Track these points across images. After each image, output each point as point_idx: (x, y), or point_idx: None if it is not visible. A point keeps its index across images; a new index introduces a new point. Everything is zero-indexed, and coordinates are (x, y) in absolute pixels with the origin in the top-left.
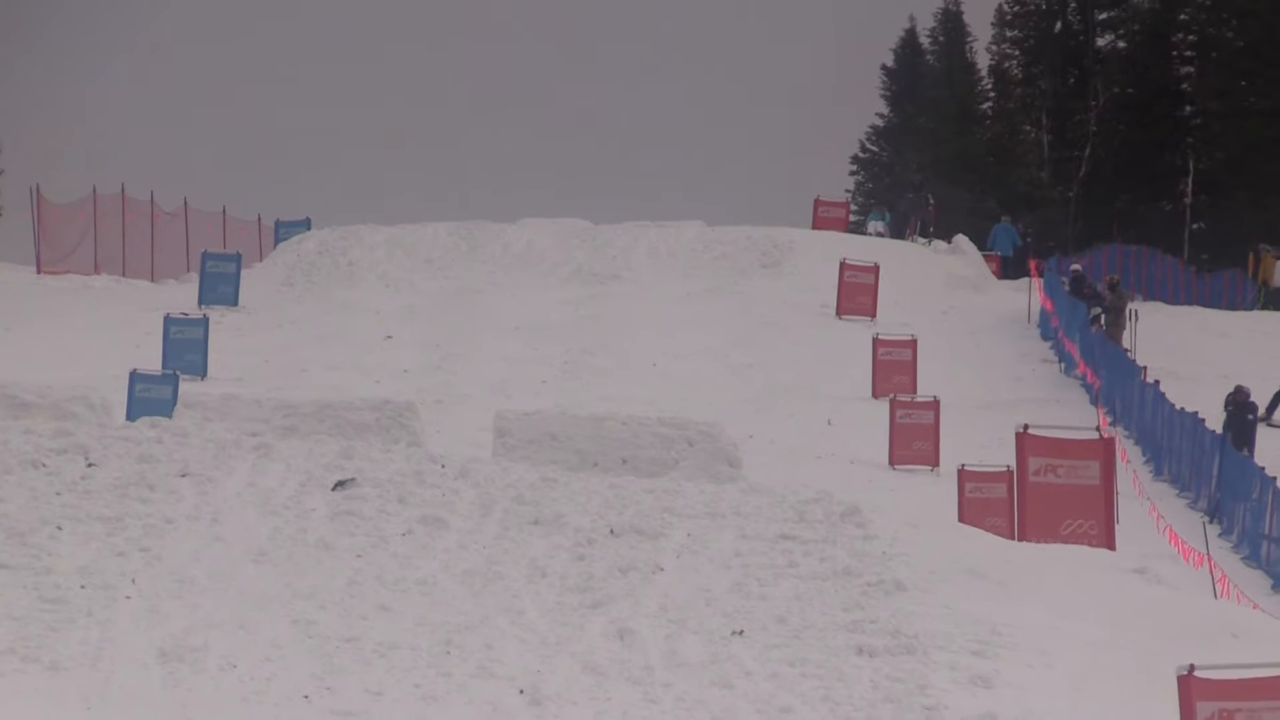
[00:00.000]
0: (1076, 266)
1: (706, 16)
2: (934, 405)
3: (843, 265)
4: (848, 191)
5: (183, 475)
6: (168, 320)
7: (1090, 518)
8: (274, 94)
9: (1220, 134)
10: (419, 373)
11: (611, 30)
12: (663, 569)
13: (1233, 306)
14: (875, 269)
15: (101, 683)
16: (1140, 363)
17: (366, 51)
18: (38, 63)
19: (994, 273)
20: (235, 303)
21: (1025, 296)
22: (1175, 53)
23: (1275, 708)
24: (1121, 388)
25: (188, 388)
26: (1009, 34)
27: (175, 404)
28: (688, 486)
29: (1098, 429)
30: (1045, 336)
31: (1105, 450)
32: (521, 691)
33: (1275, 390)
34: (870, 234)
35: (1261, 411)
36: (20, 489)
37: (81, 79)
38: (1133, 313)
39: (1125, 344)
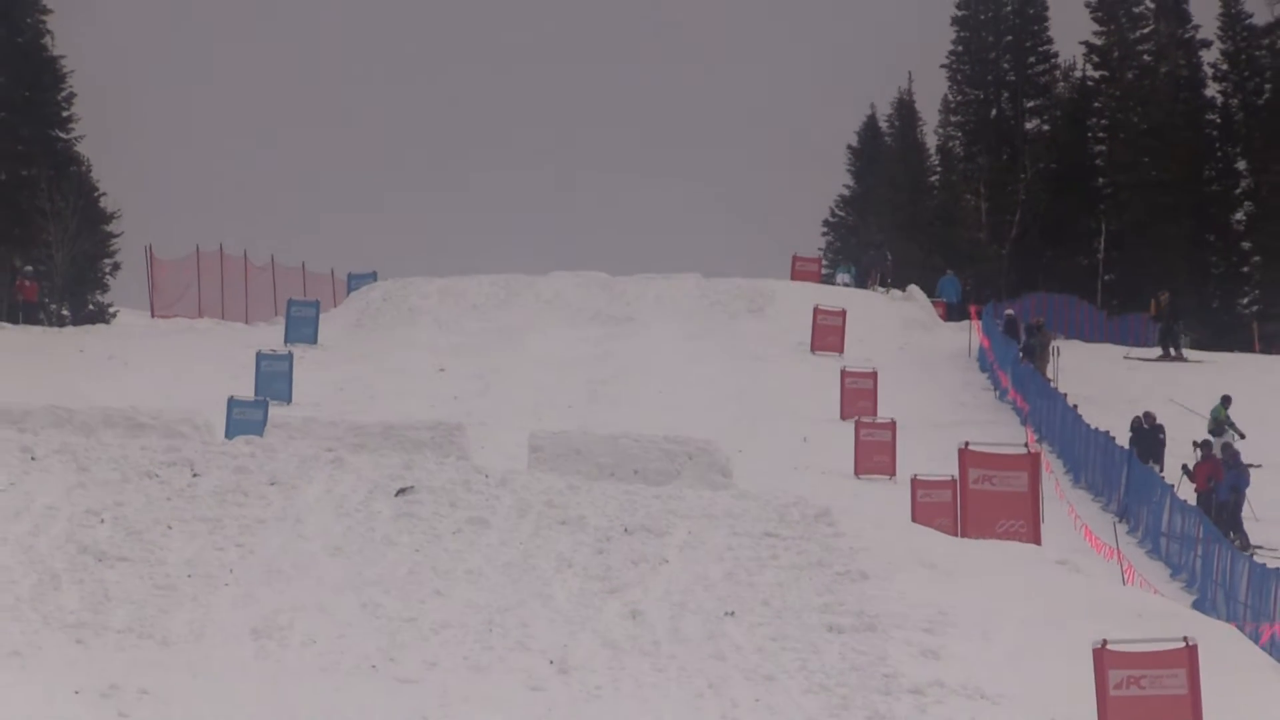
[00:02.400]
0: (1009, 311)
1: (704, 105)
2: (891, 425)
3: (816, 310)
4: (820, 249)
5: (271, 483)
6: (259, 356)
7: (1020, 518)
8: (347, 164)
9: (1127, 201)
10: (466, 399)
11: (624, 116)
12: (667, 561)
13: (1138, 344)
14: (843, 313)
15: (204, 656)
16: (1061, 390)
17: (417, 134)
18: (141, 137)
19: (941, 316)
20: (315, 341)
21: (966, 336)
22: (1090, 134)
23: (1172, 674)
24: (1046, 411)
25: (276, 411)
26: (953, 119)
27: (265, 425)
28: (688, 493)
29: (1026, 445)
30: (983, 369)
31: (1032, 463)
32: (551, 662)
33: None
34: (839, 284)
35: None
36: (137, 495)
37: (181, 150)
38: (1055, 349)
39: (1049, 375)
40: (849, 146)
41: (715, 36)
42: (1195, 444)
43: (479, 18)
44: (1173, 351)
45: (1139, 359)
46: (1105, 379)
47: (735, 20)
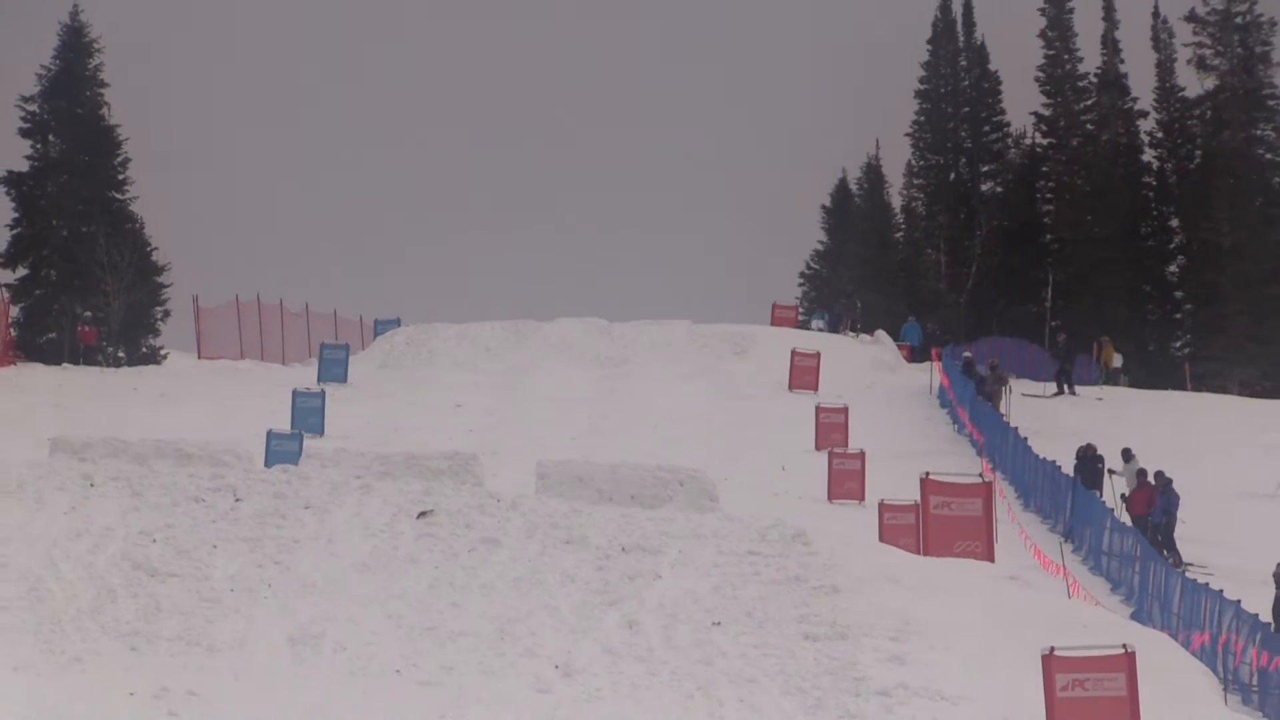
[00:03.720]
0: (966, 354)
1: (694, 167)
2: (861, 456)
3: (793, 353)
4: (796, 298)
5: (306, 507)
6: (295, 393)
7: (976, 539)
8: (375, 219)
9: (1071, 255)
10: (481, 431)
11: (621, 177)
12: (660, 576)
13: (1081, 383)
14: (817, 355)
15: (246, 661)
16: (1012, 424)
17: (436, 191)
18: (188, 196)
19: (905, 358)
20: (345, 380)
21: (928, 376)
22: (1038, 195)
23: (1113, 678)
24: (999, 443)
25: (309, 443)
26: (915, 182)
27: (300, 455)
28: (679, 516)
29: (981, 474)
30: (943, 405)
31: (986, 490)
32: (556, 667)
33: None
34: (813, 329)
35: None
36: (185, 517)
37: (224, 207)
38: (1008, 388)
39: (1002, 410)
40: (823, 206)
41: (707, 106)
42: (1121, 454)
43: (489, 93)
44: (1066, 389)
45: (1034, 395)
46: (1052, 415)
47: (725, 92)
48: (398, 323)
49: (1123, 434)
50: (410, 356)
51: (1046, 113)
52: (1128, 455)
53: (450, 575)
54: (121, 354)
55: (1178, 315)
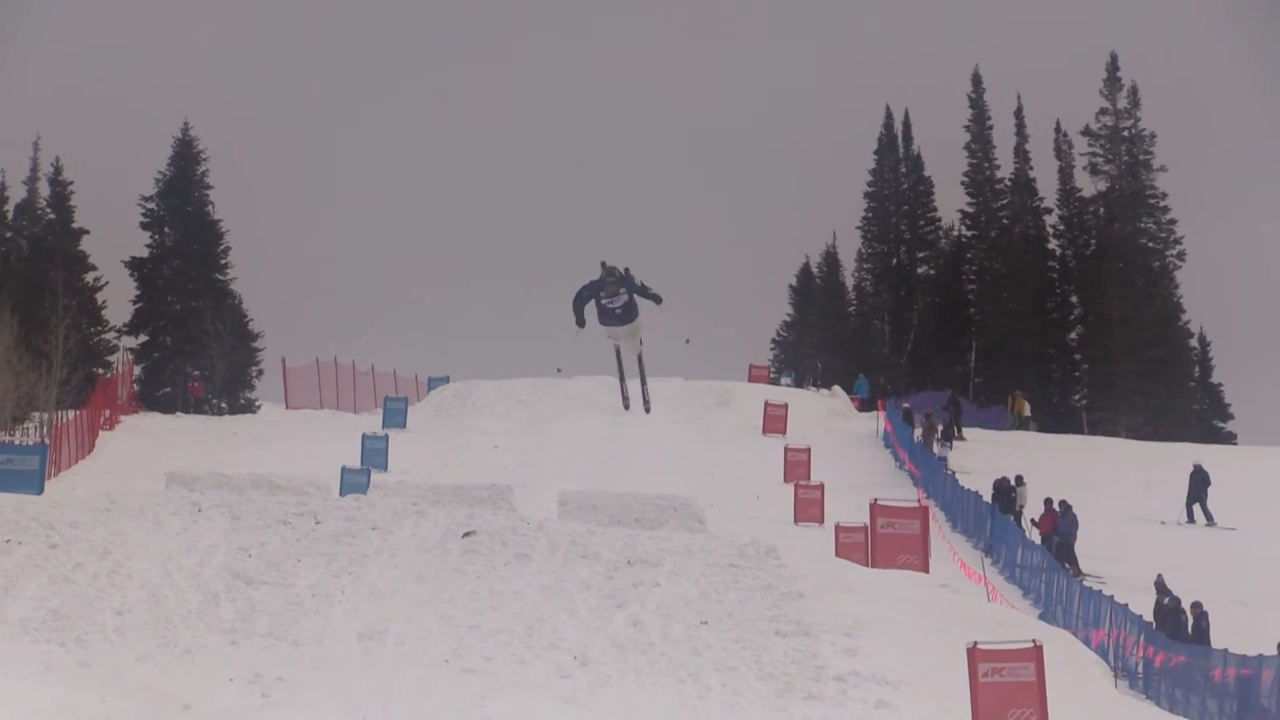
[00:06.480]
0: (905, 405)
1: (683, 249)
2: (820, 487)
3: (766, 404)
4: (769, 359)
5: (373, 529)
6: (364, 436)
7: (914, 553)
8: (427, 290)
9: (990, 325)
10: (514, 468)
11: (627, 250)
12: (659, 584)
13: (999, 427)
14: (785, 406)
15: (324, 653)
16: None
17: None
18: (277, 273)
19: (856, 408)
20: (404, 426)
21: (875, 422)
22: (964, 276)
23: (1025, 666)
24: (932, 476)
25: (376, 477)
26: (864, 265)
27: (369, 486)
28: (674, 535)
29: (918, 501)
30: (886, 446)
31: (922, 514)
32: (575, 657)
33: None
34: (782, 385)
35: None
36: (275, 537)
37: (308, 280)
38: (938, 434)
39: (935, 450)
40: (790, 285)
41: (696, 200)
42: (1045, 501)
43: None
44: (956, 434)
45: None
46: (975, 454)
47: (714, 185)
48: (447, 379)
49: (1032, 470)
50: (457, 407)
51: (970, 210)
52: (1019, 481)
53: (489, 583)
54: (224, 404)
55: (1076, 374)
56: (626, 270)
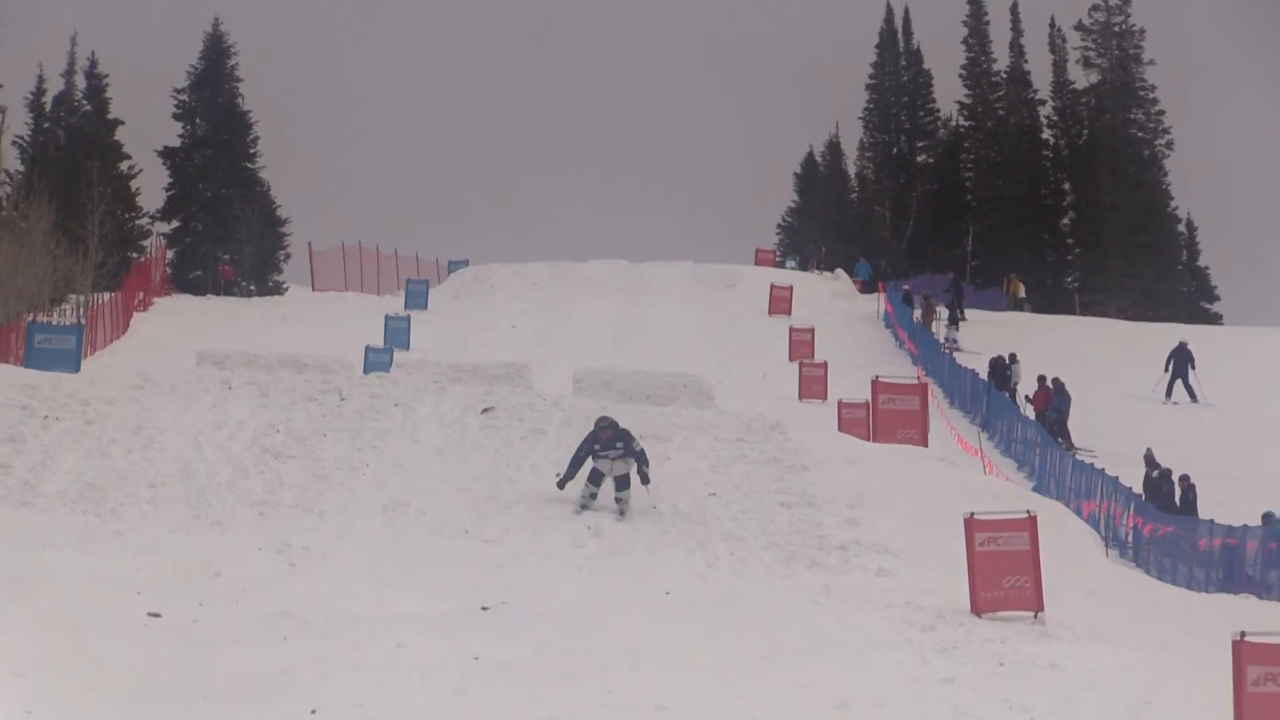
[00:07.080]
0: (905, 287)
1: (701, 140)
2: (824, 365)
3: (771, 286)
4: (774, 244)
5: (395, 405)
6: (387, 317)
7: (913, 428)
8: (456, 173)
9: (986, 211)
10: (530, 347)
11: (645, 139)
12: (669, 458)
13: (995, 308)
14: (790, 288)
15: (349, 523)
16: (940, 340)
17: (504, 159)
18: (305, 159)
19: (858, 290)
20: (426, 308)
21: (876, 304)
22: (962, 165)
23: (1019, 535)
24: (931, 355)
25: (398, 355)
26: (866, 155)
27: (391, 365)
28: (684, 411)
29: (917, 379)
30: (887, 326)
31: (921, 390)
32: (588, 528)
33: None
34: (787, 269)
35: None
36: (302, 413)
37: (333, 166)
38: (938, 313)
39: (933, 331)
40: (795, 173)
41: (707, 95)
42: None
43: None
44: (959, 315)
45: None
46: (972, 334)
47: (723, 87)
48: (466, 263)
49: (1026, 350)
50: (476, 289)
51: (968, 101)
52: (1014, 359)
53: (507, 457)
54: (252, 287)
55: (1069, 257)
56: (628, 433)
